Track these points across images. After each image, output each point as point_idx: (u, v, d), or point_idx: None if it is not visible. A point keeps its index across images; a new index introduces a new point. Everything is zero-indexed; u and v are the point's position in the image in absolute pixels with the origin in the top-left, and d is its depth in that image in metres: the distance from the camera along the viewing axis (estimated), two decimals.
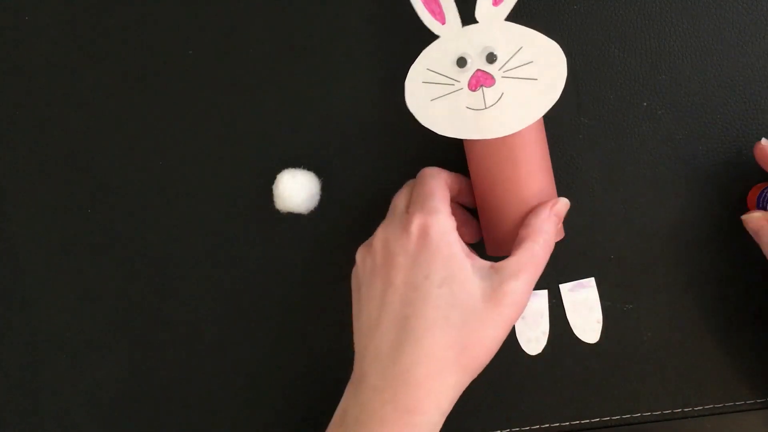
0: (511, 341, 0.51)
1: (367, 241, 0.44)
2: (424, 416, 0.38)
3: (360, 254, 0.43)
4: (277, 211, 0.50)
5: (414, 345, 0.38)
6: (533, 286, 0.41)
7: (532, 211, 0.43)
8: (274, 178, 0.50)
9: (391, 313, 0.39)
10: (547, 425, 0.52)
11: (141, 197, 0.51)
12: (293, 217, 0.51)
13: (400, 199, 0.45)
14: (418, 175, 0.45)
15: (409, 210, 0.42)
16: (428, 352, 0.38)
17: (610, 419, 0.51)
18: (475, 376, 0.40)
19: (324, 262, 0.51)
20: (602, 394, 0.51)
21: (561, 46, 0.49)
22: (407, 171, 0.50)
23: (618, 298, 0.50)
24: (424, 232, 0.40)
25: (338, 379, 0.51)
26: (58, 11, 0.50)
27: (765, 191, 0.47)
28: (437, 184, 0.43)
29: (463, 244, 0.41)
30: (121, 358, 0.52)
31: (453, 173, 0.46)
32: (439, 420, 0.39)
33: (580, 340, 0.51)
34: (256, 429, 0.52)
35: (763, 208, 0.47)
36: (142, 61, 0.50)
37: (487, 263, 0.41)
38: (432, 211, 0.40)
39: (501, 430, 0.52)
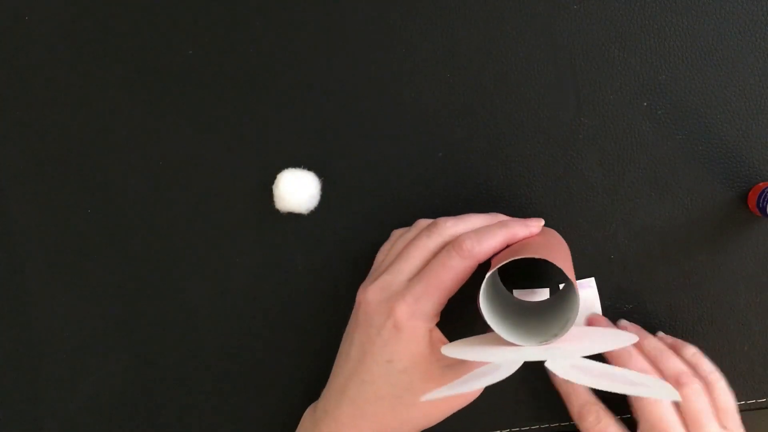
0: None
1: (366, 282, 0.44)
2: None
3: (358, 294, 0.44)
4: (277, 211, 0.50)
5: (363, 405, 0.43)
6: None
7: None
8: (274, 178, 0.50)
9: (354, 370, 0.43)
10: (547, 425, 0.52)
11: (141, 197, 0.51)
12: (293, 217, 0.51)
13: (413, 256, 0.43)
14: (453, 246, 0.42)
15: (409, 285, 0.42)
16: (373, 414, 0.42)
17: None
18: None
19: (324, 262, 0.51)
20: (602, 394, 0.51)
21: (561, 46, 0.49)
22: (407, 171, 0.51)
23: (618, 298, 0.50)
24: (400, 328, 0.41)
25: None
26: (58, 11, 0.50)
27: (765, 191, 0.47)
28: (447, 278, 0.41)
29: (438, 337, 0.43)
30: (121, 358, 0.52)
31: (489, 238, 0.42)
32: None
33: None
34: (256, 429, 0.52)
35: (763, 208, 0.47)
36: (142, 61, 0.50)
37: None
38: (416, 313, 0.41)
39: (501, 430, 0.52)
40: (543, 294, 0.50)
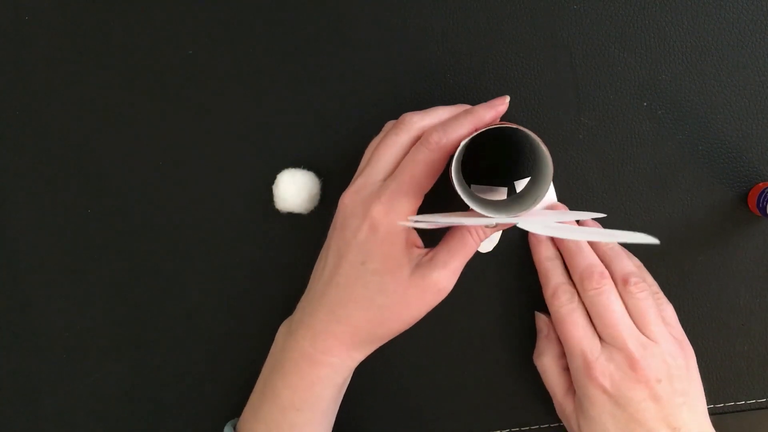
0: (511, 343, 0.51)
1: (349, 188, 0.44)
2: (336, 358, 0.44)
3: (341, 201, 0.44)
4: (277, 211, 0.50)
5: (337, 309, 0.43)
6: (461, 270, 0.43)
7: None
8: (274, 178, 0.50)
9: (330, 276, 0.44)
10: (547, 425, 0.52)
11: (141, 197, 0.51)
12: (293, 217, 0.51)
13: (384, 155, 0.43)
14: (421, 141, 0.42)
15: (383, 185, 0.42)
16: (347, 317, 0.43)
17: None
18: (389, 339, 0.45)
19: None
20: None
21: (561, 46, 0.50)
22: None
23: None
24: (376, 227, 0.41)
25: None
26: (58, 11, 0.50)
27: (765, 191, 0.47)
28: (419, 173, 0.41)
29: (411, 235, 0.43)
30: (121, 358, 0.52)
31: (463, 121, 0.42)
32: (352, 363, 0.45)
33: None
34: None
35: (763, 208, 0.47)
36: (142, 61, 0.50)
37: (424, 251, 0.44)
38: (392, 212, 0.41)
39: (501, 430, 0.52)
40: (500, 192, 0.50)
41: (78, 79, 0.51)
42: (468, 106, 0.45)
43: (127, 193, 0.51)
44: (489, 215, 0.40)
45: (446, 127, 0.41)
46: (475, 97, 0.50)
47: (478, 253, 0.50)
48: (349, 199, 0.43)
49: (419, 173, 0.41)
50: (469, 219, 0.40)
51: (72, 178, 0.51)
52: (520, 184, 0.50)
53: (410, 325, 0.44)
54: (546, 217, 0.42)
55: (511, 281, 0.51)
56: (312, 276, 0.46)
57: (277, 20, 0.50)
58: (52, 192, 0.51)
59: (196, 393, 0.52)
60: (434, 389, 0.52)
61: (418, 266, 0.43)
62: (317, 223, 0.51)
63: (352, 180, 0.44)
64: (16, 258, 0.52)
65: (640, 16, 0.49)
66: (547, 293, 0.48)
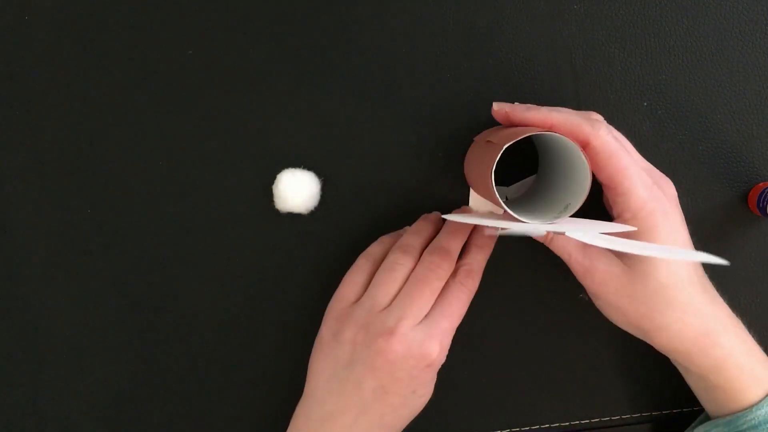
0: (511, 343, 0.51)
1: (392, 333, 0.43)
2: None
3: (389, 347, 0.43)
4: (277, 211, 0.50)
5: (369, 428, 0.44)
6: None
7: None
8: (274, 178, 0.50)
9: (367, 408, 0.44)
10: (547, 425, 0.52)
11: (141, 197, 0.51)
12: (293, 217, 0.51)
13: (423, 294, 0.44)
14: (462, 279, 0.45)
15: (430, 324, 0.44)
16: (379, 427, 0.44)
17: (610, 419, 0.52)
18: None
19: (324, 262, 0.51)
20: (602, 394, 0.52)
21: (561, 46, 0.50)
22: (407, 171, 0.51)
23: None
24: (434, 365, 0.44)
25: None
26: (58, 11, 0.50)
27: (765, 191, 0.47)
28: (464, 309, 0.45)
29: None
30: (121, 358, 0.52)
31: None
32: None
33: (579, 341, 0.51)
34: (257, 428, 0.52)
35: (763, 208, 0.47)
36: (142, 61, 0.50)
37: None
38: (445, 348, 0.44)
39: (501, 430, 0.52)
40: (530, 181, 0.50)
41: (78, 79, 0.51)
42: (437, 215, 0.49)
43: (127, 193, 0.51)
44: (526, 221, 0.39)
45: (479, 267, 0.46)
46: (476, 97, 0.50)
47: None
48: (398, 346, 0.43)
49: (464, 309, 0.45)
50: (506, 222, 0.39)
51: (72, 178, 0.51)
52: (517, 187, 0.50)
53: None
54: (580, 225, 0.41)
55: (512, 281, 0.51)
56: (326, 397, 0.45)
57: (276, 20, 0.50)
58: (52, 192, 0.51)
59: (196, 393, 0.52)
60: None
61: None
62: (317, 223, 0.51)
63: (371, 310, 0.44)
64: (16, 258, 0.52)
65: (640, 16, 0.49)
66: (586, 128, 0.41)
